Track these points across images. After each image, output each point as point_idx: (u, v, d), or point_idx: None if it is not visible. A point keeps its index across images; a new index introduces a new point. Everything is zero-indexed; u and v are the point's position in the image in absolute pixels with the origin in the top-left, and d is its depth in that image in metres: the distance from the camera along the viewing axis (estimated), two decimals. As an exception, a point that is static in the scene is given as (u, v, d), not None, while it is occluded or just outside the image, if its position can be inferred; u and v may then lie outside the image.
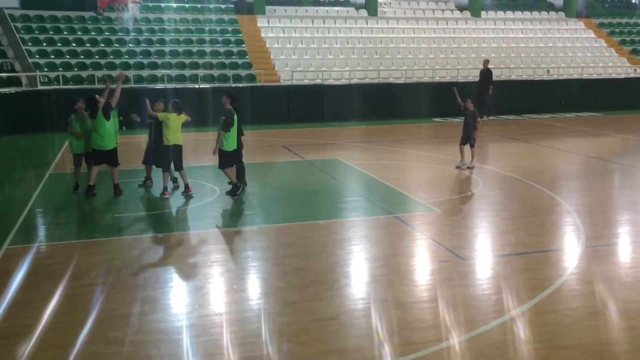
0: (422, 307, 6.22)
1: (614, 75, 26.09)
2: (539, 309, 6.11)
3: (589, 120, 22.52)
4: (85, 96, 11.27)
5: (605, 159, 14.83)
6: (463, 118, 13.36)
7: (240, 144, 10.94)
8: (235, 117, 10.41)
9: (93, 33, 22.99)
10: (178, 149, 10.70)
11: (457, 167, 13.03)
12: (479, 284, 6.94)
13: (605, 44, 28.32)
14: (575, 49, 27.44)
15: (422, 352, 5.24)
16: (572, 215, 9.61)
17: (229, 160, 10.59)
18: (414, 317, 5.98)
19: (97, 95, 10.87)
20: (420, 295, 6.56)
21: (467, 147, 13.11)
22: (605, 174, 12.95)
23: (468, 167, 12.94)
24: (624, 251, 8.15)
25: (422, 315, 6.03)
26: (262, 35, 24.86)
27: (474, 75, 24.03)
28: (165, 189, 10.63)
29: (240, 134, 10.92)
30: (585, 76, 25.55)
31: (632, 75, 26.35)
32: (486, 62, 22.37)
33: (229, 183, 10.69)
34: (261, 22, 25.48)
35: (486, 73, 21.98)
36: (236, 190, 10.53)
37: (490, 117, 21.88)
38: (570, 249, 8.13)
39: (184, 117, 10.73)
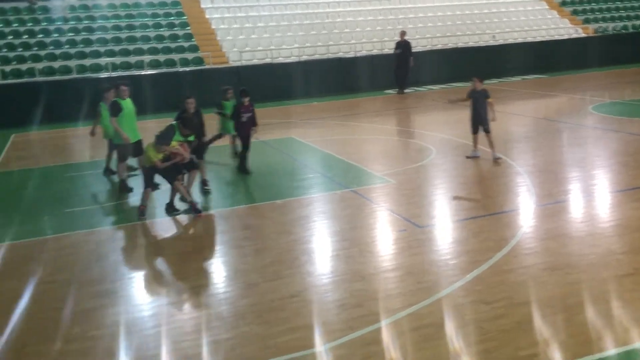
0: (383, 277, 6.29)
1: (556, 37, 26.66)
2: (495, 269, 6.27)
3: (535, 82, 23.02)
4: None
5: (553, 119, 15.20)
6: (470, 102, 10.97)
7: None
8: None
9: (30, 24, 22.09)
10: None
11: (468, 157, 11.03)
12: (437, 250, 7.07)
13: (547, 7, 28.84)
14: (519, 13, 27.88)
15: (386, 321, 5.31)
16: (523, 176, 9.84)
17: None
18: (375, 287, 6.04)
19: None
20: (380, 266, 6.63)
21: (480, 135, 10.91)
22: (553, 134, 13.29)
23: (495, 159, 10.70)
24: (573, 207, 8.40)
25: (383, 285, 6.10)
26: (207, 16, 24.36)
27: (422, 45, 24.21)
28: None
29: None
30: (529, 39, 26.02)
31: (575, 35, 26.98)
32: (403, 33, 21.81)
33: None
34: (204, 2, 24.94)
35: (405, 45, 21.49)
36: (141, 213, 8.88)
37: (409, 90, 21.77)
38: (523, 209, 8.34)
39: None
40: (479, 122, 10.85)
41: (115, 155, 10.66)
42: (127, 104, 10.16)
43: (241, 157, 11.18)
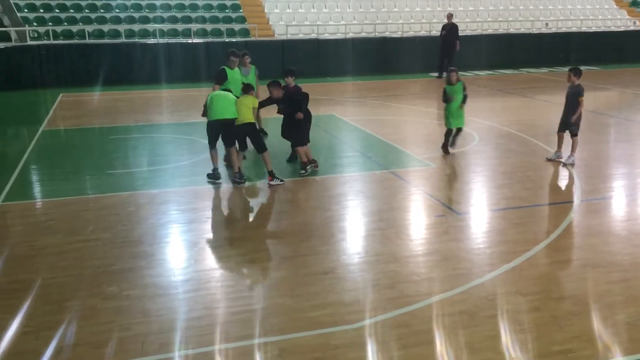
0: (418, 261, 6.24)
1: (612, 28, 25.73)
2: (533, 261, 6.15)
3: (587, 73, 22.16)
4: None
5: (602, 112, 14.74)
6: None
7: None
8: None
9: (82, -14, 22.42)
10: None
11: (548, 160, 9.95)
12: (474, 238, 6.97)
13: (605, -4, 27.86)
14: (575, 1, 26.97)
15: (417, 305, 5.28)
16: (568, 169, 9.59)
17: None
18: (409, 270, 6.01)
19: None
20: (415, 249, 6.58)
21: (566, 135, 9.89)
22: (601, 128, 12.89)
23: (564, 164, 9.70)
24: (618, 205, 8.16)
25: (417, 268, 6.06)
26: (256, -13, 24.30)
27: (472, 29, 23.71)
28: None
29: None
30: (584, 29, 25.19)
31: (631, 28, 25.99)
32: (450, 15, 21.08)
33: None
34: (254, -26, 24.85)
35: (451, 28, 20.73)
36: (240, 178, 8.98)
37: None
38: (566, 203, 8.14)
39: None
40: (566, 121, 9.78)
41: None
42: (234, 73, 10.16)
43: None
